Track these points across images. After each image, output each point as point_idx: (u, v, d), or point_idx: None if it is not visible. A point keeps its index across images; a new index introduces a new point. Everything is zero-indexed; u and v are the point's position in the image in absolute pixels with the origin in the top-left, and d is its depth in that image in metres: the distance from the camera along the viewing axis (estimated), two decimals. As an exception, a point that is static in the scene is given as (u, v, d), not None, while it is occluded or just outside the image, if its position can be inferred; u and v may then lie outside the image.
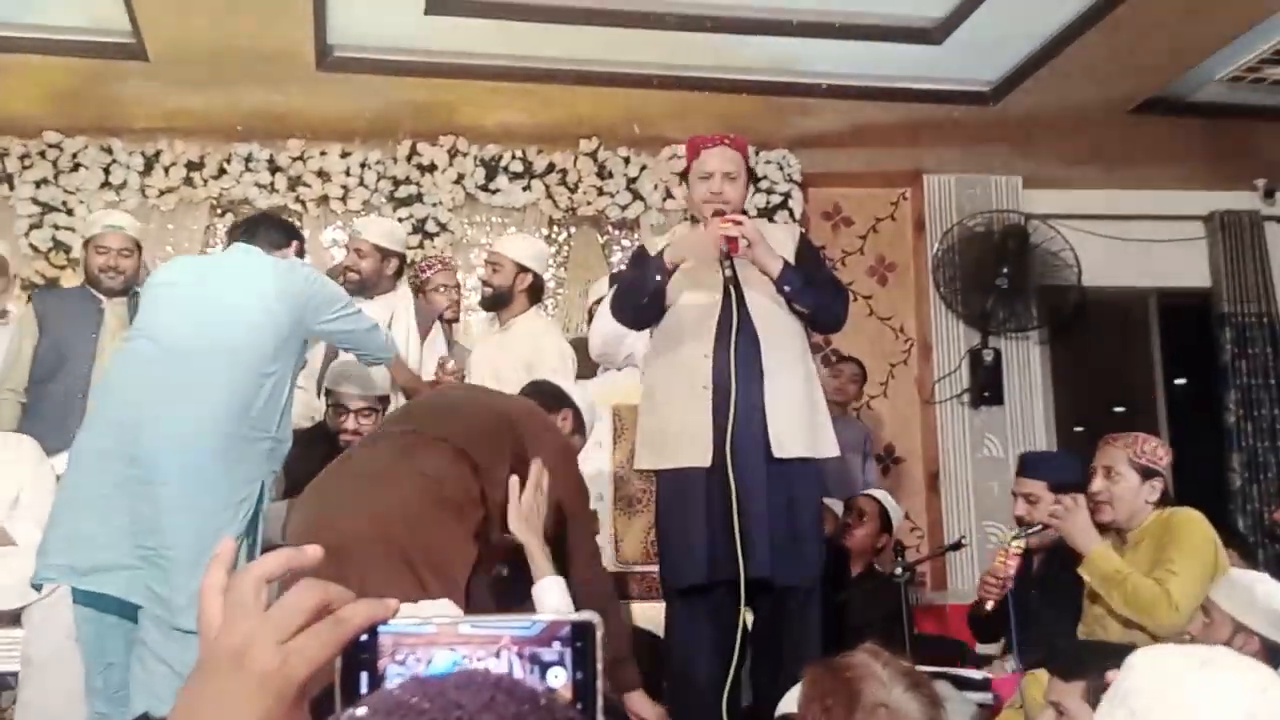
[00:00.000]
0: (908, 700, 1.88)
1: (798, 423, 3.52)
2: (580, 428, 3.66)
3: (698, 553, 3.46)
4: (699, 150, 3.67)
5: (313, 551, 0.85)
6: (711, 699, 3.41)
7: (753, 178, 3.90)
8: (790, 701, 2.38)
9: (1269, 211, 7.15)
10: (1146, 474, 3.53)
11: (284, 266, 3.60)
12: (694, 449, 3.48)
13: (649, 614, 4.06)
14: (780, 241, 3.68)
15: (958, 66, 5.53)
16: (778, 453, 3.46)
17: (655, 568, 3.91)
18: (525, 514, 2.87)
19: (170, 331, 3.42)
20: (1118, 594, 3.38)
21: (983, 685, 3.70)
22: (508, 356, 4.65)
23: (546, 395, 3.55)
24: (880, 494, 5.08)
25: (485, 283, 4.88)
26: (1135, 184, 6.94)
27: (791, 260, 3.60)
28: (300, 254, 3.85)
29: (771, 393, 3.49)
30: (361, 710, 0.68)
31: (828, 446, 3.62)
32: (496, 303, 4.83)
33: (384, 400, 4.28)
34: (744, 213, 3.67)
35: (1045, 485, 3.87)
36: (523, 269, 4.82)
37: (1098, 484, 3.57)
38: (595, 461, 4.43)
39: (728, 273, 3.52)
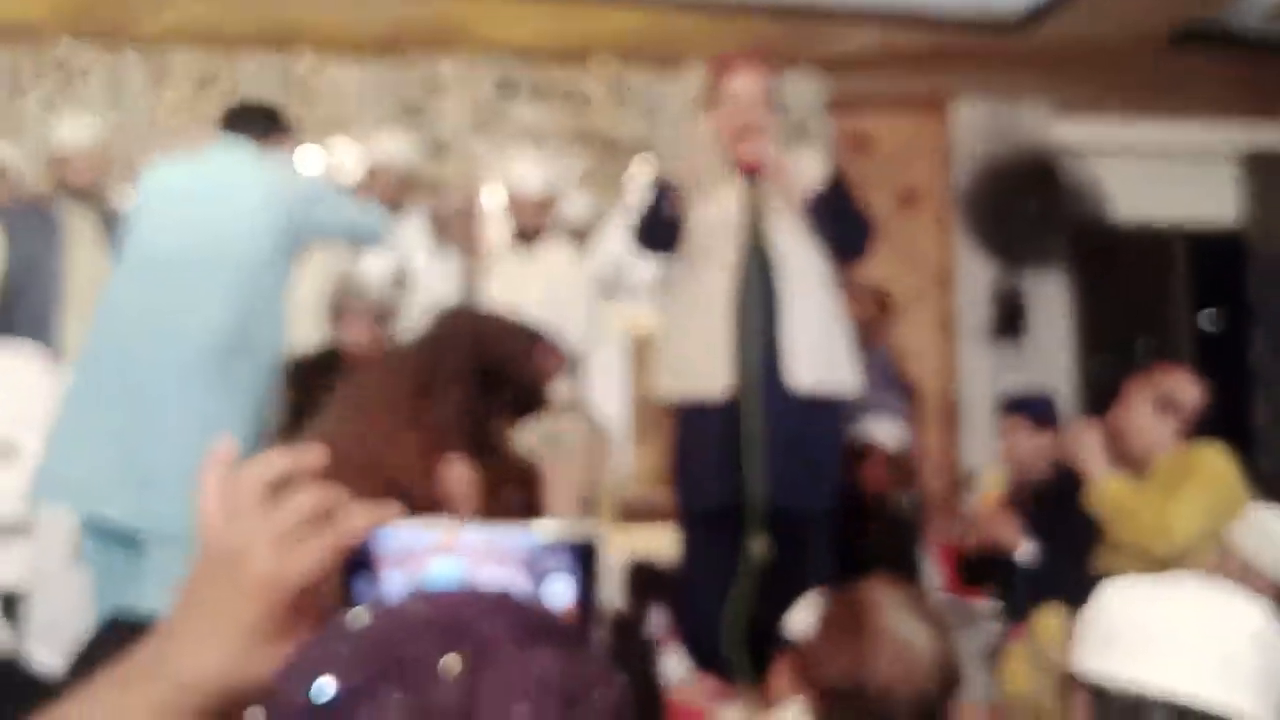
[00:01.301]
0: (918, 629, 1.88)
1: (815, 354, 3.51)
2: (560, 363, 3.73)
3: (713, 479, 3.48)
4: (727, 73, 3.62)
5: (313, 454, 0.82)
6: (721, 625, 3.41)
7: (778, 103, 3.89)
8: (794, 622, 2.37)
9: (1304, 149, 7.02)
10: (1162, 406, 3.54)
11: (270, 168, 3.51)
12: (712, 377, 3.47)
13: (663, 540, 4.07)
14: (806, 167, 3.65)
15: (992, -12, 5.40)
16: (792, 382, 3.45)
17: (668, 494, 3.92)
18: None
19: (160, 247, 3.37)
20: (1119, 521, 3.44)
21: (993, 614, 3.71)
22: (532, 281, 4.62)
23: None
24: (882, 431, 4.99)
25: (527, 223, 4.78)
26: (1168, 117, 6.81)
27: (817, 188, 3.56)
28: (289, 145, 3.73)
29: (789, 322, 3.46)
30: (361, 616, 0.67)
31: (847, 379, 3.60)
32: (537, 234, 4.77)
33: (388, 309, 4.24)
34: (769, 138, 3.62)
35: (1030, 422, 3.91)
36: (549, 199, 4.79)
37: (1116, 417, 3.62)
38: (612, 387, 4.41)
39: (750, 199, 3.48)
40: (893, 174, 6.81)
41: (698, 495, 3.55)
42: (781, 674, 2.45)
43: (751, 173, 3.45)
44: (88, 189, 4.63)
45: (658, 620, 4.20)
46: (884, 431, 4.93)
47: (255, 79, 5.84)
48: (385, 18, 5.59)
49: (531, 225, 4.76)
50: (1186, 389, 3.58)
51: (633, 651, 1.76)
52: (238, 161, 3.51)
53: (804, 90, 6.19)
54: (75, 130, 4.78)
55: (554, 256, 4.75)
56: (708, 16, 5.52)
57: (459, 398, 3.23)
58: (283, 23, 5.61)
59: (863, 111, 6.67)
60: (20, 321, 4.49)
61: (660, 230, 3.61)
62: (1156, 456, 3.56)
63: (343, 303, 4.16)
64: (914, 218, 6.82)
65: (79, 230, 4.61)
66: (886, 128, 6.81)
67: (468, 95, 5.99)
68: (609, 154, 6.23)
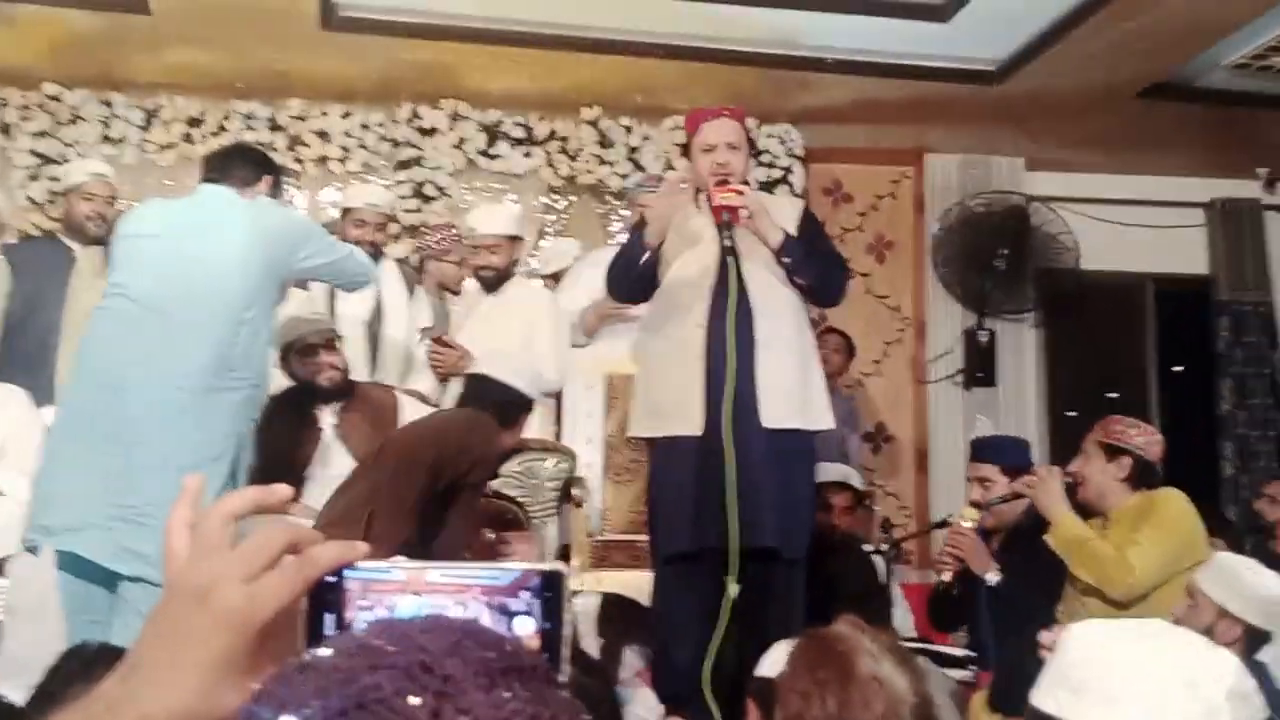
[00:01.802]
0: (897, 674, 1.87)
1: (790, 394, 3.53)
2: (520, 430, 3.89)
3: (687, 520, 3.47)
4: (699, 124, 3.66)
5: (282, 490, 0.84)
6: (696, 667, 3.41)
7: (754, 150, 3.90)
8: (768, 665, 2.37)
9: (1270, 201, 7.14)
10: (1113, 453, 3.60)
11: (255, 209, 3.53)
12: (686, 418, 3.48)
13: (636, 583, 4.07)
14: (782, 212, 3.69)
15: (964, 45, 5.50)
16: (767, 423, 3.46)
17: (644, 537, 3.93)
18: None
19: (146, 289, 3.38)
20: (1077, 559, 3.48)
21: (961, 662, 3.72)
22: (504, 321, 4.64)
23: (498, 408, 3.68)
24: (842, 472, 5.00)
25: (486, 267, 4.79)
26: (1137, 169, 6.92)
27: (793, 232, 3.60)
28: (276, 189, 3.74)
29: (764, 363, 3.49)
30: (325, 651, 0.67)
31: (821, 419, 3.62)
32: (501, 280, 4.79)
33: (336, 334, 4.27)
34: (745, 183, 3.67)
35: (998, 469, 3.95)
36: (515, 239, 4.80)
37: (1073, 464, 3.69)
38: (586, 430, 4.44)
39: (727, 243, 3.51)
40: (867, 223, 6.90)
41: (673, 537, 3.53)
42: (753, 717, 2.45)
43: (728, 218, 3.49)
44: (93, 226, 4.67)
45: (630, 660, 4.20)
46: (850, 473, 4.97)
47: (245, 123, 5.90)
48: (374, 66, 5.67)
49: (495, 267, 4.75)
50: (1136, 437, 3.64)
51: (599, 691, 1.77)
52: (224, 202, 3.53)
53: (780, 140, 6.28)
54: (87, 169, 4.85)
55: (523, 298, 4.77)
56: (689, 68, 5.61)
57: (404, 520, 3.40)
58: (273, 69, 5.67)
59: (838, 162, 6.77)
60: (20, 356, 4.51)
61: (634, 278, 3.66)
62: (1112, 502, 3.61)
63: (302, 339, 4.16)
64: (887, 266, 6.90)
65: (83, 267, 4.64)
66: (861, 178, 6.90)
67: (454, 141, 6.06)
68: (594, 200, 6.32)
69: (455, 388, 4.53)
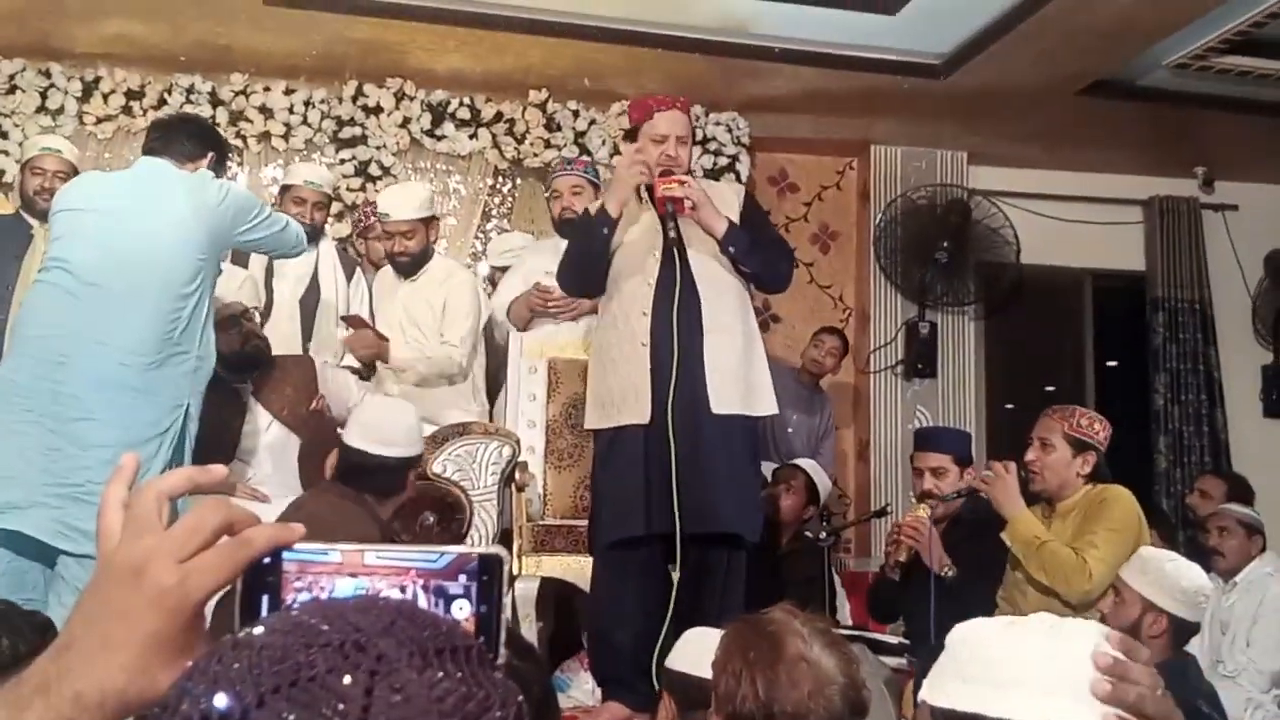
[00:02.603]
0: (826, 656, 1.90)
1: (734, 380, 3.55)
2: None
3: (634, 506, 3.48)
4: (652, 112, 3.67)
5: (217, 470, 0.84)
6: (632, 654, 3.43)
7: (695, 140, 3.92)
8: (678, 657, 2.39)
9: (1207, 199, 7.27)
10: (1079, 447, 3.61)
11: (195, 183, 3.49)
12: (633, 406, 3.50)
13: (577, 568, 4.08)
14: (726, 200, 3.70)
15: (910, 37, 5.54)
16: (715, 408, 3.48)
17: (583, 522, 3.93)
18: None
19: (86, 263, 3.33)
20: (1035, 559, 3.47)
21: (897, 650, 3.76)
22: (421, 302, 4.63)
23: (378, 482, 3.43)
24: (808, 464, 5.09)
25: (402, 253, 4.67)
26: (1078, 165, 7.02)
27: (737, 220, 3.62)
28: (219, 166, 3.69)
29: (710, 350, 3.51)
30: (258, 629, 0.66)
31: (764, 405, 3.65)
32: (419, 265, 4.73)
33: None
34: (689, 173, 3.68)
35: (951, 458, 3.96)
36: (428, 221, 4.72)
37: (1031, 453, 3.66)
38: (528, 413, 4.43)
39: (672, 234, 3.53)
40: (812, 213, 6.94)
41: (622, 522, 3.54)
42: (667, 708, 2.45)
43: (672, 209, 3.50)
44: (41, 201, 4.59)
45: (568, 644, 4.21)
46: (809, 464, 5.03)
47: (186, 97, 5.81)
48: (318, 42, 5.60)
49: (411, 253, 4.68)
50: (1100, 432, 3.66)
51: (534, 675, 1.76)
52: (164, 175, 3.49)
53: (728, 128, 6.30)
54: (39, 144, 4.82)
55: (440, 277, 4.71)
56: (637, 53, 5.60)
57: None
58: (216, 43, 5.59)
59: (784, 152, 6.80)
60: None
61: (592, 258, 3.65)
62: (1067, 493, 3.62)
63: (228, 310, 4.10)
64: (831, 257, 6.95)
65: (39, 244, 4.55)
66: (807, 168, 6.95)
67: (399, 120, 6.00)
68: (540, 184, 6.29)
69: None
